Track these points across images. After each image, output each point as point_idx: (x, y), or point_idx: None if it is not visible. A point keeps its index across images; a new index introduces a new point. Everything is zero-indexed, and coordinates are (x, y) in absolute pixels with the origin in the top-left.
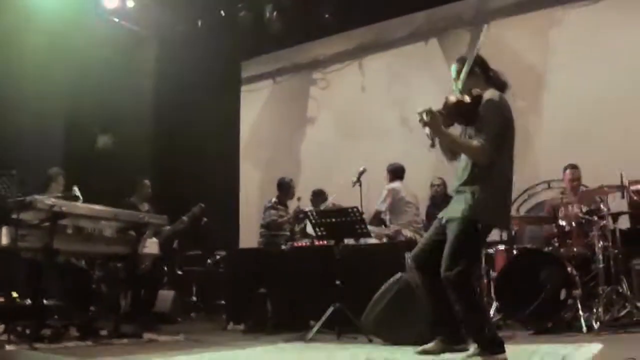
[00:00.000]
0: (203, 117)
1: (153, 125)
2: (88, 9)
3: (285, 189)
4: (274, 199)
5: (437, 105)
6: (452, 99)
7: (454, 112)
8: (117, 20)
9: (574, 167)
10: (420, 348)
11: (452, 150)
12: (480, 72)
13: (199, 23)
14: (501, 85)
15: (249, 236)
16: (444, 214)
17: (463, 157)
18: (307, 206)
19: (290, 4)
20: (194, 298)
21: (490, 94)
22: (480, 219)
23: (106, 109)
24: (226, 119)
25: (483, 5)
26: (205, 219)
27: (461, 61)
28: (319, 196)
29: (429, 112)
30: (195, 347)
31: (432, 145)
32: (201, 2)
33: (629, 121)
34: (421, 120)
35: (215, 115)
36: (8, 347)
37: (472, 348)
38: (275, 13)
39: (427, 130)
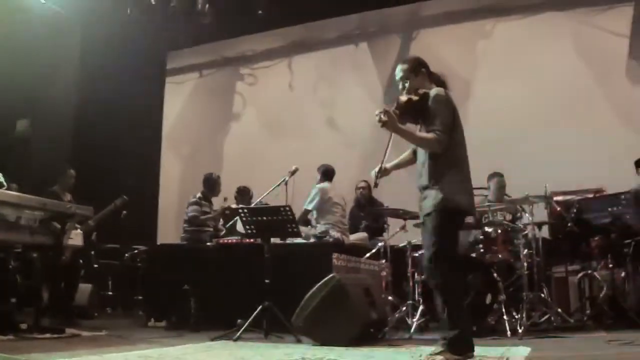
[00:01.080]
0: (125, 107)
1: (73, 113)
2: None
3: (211, 185)
4: (198, 195)
5: (365, 109)
6: (403, 98)
7: (406, 111)
8: (43, 1)
9: (499, 175)
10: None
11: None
12: (425, 73)
13: (129, 10)
14: (443, 85)
15: (167, 231)
16: (421, 215)
17: (420, 153)
18: (233, 204)
19: None
20: (110, 292)
21: (436, 90)
22: (451, 206)
23: (26, 93)
24: (149, 110)
25: (414, 13)
26: (124, 212)
27: (407, 63)
28: (244, 194)
29: (386, 112)
30: (121, 344)
31: (376, 185)
32: None
33: (551, 133)
34: (380, 120)
35: (137, 106)
36: None
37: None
38: (207, 5)
39: (385, 128)
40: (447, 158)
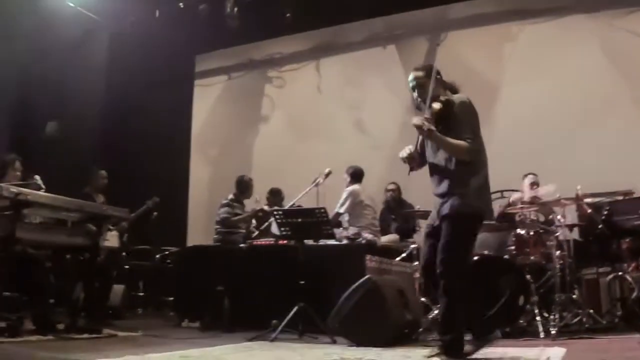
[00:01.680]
0: (154, 110)
1: (103, 116)
2: None
3: (243, 187)
4: (230, 196)
5: (393, 111)
6: (436, 106)
7: (437, 118)
8: (72, 5)
9: (533, 175)
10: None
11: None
12: (440, 80)
13: (157, 13)
14: (456, 90)
15: (196, 232)
16: (433, 219)
17: (439, 159)
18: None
19: (251, 0)
20: (141, 293)
21: (460, 97)
22: (469, 212)
23: (56, 96)
24: (178, 112)
25: (441, 16)
26: (155, 213)
27: (422, 70)
28: (277, 195)
29: (427, 120)
30: (159, 344)
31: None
32: None
33: (580, 135)
34: (420, 129)
35: (166, 109)
36: None
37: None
38: (235, 9)
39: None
40: (470, 164)
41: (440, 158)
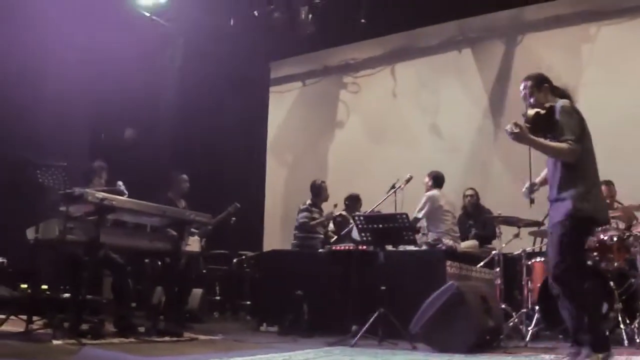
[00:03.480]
0: (230, 116)
1: (179, 122)
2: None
3: (317, 191)
4: (308, 202)
5: (469, 115)
6: (531, 112)
7: (535, 124)
8: (147, 14)
9: (609, 183)
10: None
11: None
12: (548, 87)
13: (231, 21)
14: (567, 97)
15: (272, 237)
16: (549, 225)
17: (549, 165)
18: (342, 211)
19: (325, 6)
20: (218, 297)
21: (561, 102)
22: (580, 216)
23: (133, 104)
24: (253, 119)
25: (517, 18)
26: (234, 219)
27: (531, 79)
28: (355, 201)
29: (516, 124)
30: (240, 348)
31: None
32: (234, 1)
33: None
34: (511, 132)
35: (242, 115)
36: (55, 342)
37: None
38: (310, 15)
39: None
40: (577, 167)
41: (550, 164)
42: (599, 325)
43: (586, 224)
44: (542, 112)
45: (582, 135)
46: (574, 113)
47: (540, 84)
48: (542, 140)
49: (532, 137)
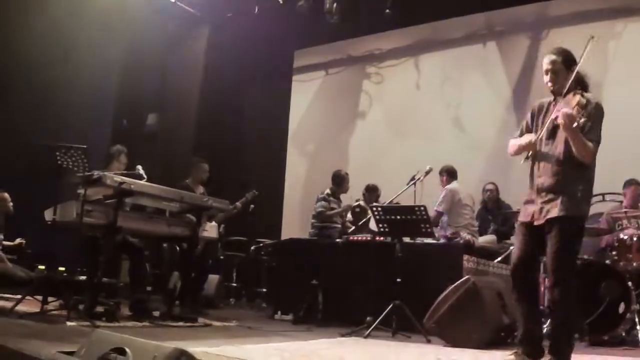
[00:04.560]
0: (252, 104)
1: (201, 109)
2: None
3: (339, 181)
4: (327, 191)
5: (492, 110)
6: (583, 100)
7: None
8: (173, 0)
9: (636, 182)
10: None
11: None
12: (573, 71)
13: (256, 9)
14: (586, 88)
15: (291, 226)
16: (538, 218)
17: (549, 156)
18: (361, 201)
19: None
20: (234, 284)
21: (594, 97)
22: (577, 215)
23: (156, 89)
24: (275, 107)
25: (543, 12)
26: (252, 206)
27: (559, 54)
28: (373, 192)
29: (570, 115)
30: (254, 336)
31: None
32: None
33: None
34: (570, 118)
35: (264, 103)
36: (69, 324)
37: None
38: (335, 4)
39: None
40: (583, 167)
41: (551, 154)
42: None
43: (581, 223)
44: (585, 101)
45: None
46: (603, 116)
47: (570, 64)
48: (581, 135)
49: (576, 128)
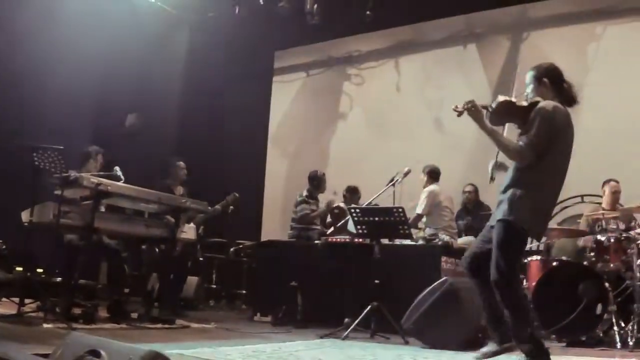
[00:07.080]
0: (232, 105)
1: (182, 109)
2: None
3: (316, 182)
4: (305, 193)
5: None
6: (501, 97)
7: (503, 112)
8: (153, 0)
9: (615, 181)
10: (477, 353)
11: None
12: (549, 83)
13: (237, 9)
14: (569, 100)
15: (271, 227)
16: (491, 221)
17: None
18: (341, 202)
19: None
20: (214, 285)
21: (545, 102)
22: (518, 221)
23: (136, 89)
24: (256, 108)
25: (523, 15)
26: (232, 208)
27: (535, 69)
28: (354, 193)
29: (471, 103)
30: (232, 337)
31: (492, 179)
32: None
33: None
34: (455, 109)
35: (244, 104)
36: (45, 326)
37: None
38: (315, 6)
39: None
40: (533, 173)
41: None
42: (530, 332)
43: (521, 233)
44: (520, 104)
45: (545, 145)
46: (549, 119)
47: (541, 77)
48: (495, 130)
49: (485, 122)
